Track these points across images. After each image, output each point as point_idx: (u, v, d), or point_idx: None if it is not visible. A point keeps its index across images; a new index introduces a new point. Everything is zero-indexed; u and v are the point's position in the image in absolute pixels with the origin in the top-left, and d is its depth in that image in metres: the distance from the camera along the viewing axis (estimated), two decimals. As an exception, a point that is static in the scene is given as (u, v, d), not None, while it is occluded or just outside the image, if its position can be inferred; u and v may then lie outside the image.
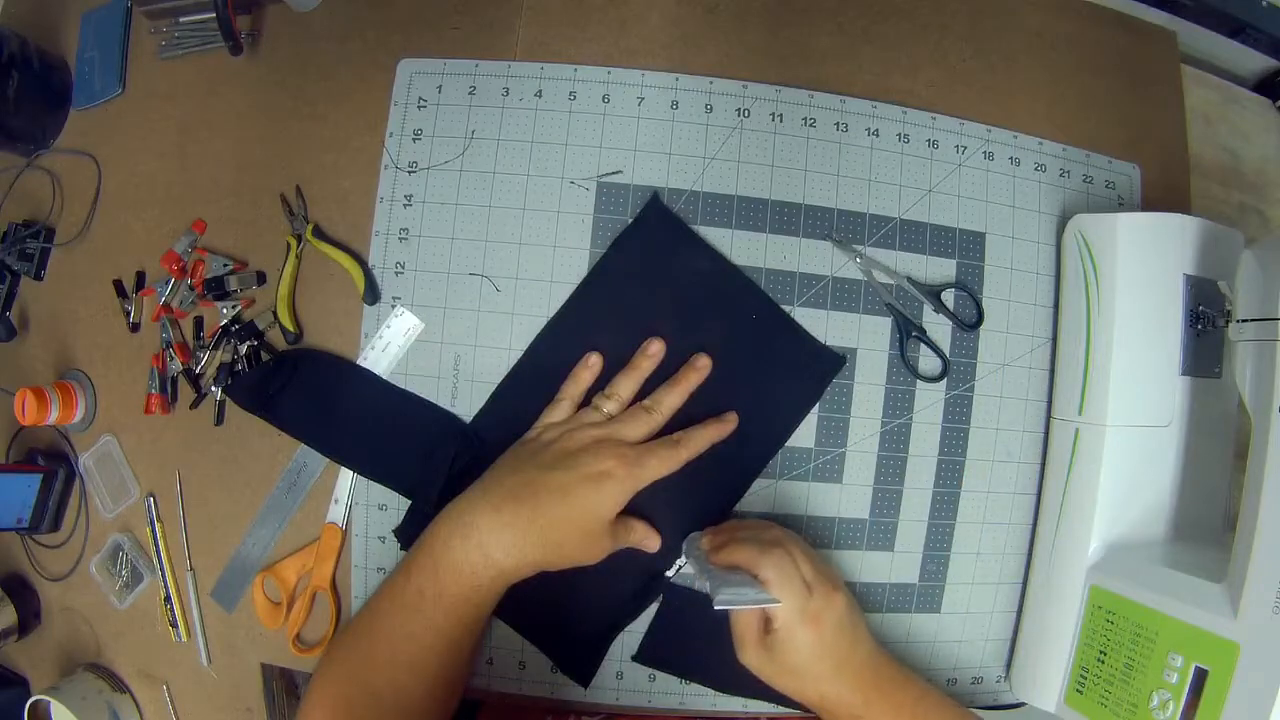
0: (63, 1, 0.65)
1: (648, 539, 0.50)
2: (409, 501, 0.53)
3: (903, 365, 0.55)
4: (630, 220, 0.54)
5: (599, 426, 0.49)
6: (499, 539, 0.44)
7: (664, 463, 0.48)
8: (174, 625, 0.57)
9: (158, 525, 0.57)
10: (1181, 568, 0.46)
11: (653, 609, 0.53)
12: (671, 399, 0.51)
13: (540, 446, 0.48)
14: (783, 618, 0.43)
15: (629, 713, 0.55)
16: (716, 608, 0.41)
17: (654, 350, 0.52)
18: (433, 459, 0.52)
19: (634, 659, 0.54)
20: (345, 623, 0.52)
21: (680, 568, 0.53)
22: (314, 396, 0.54)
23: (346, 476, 0.54)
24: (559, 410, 0.51)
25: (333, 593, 0.54)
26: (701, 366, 0.52)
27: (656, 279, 0.54)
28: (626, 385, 0.51)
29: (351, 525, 0.54)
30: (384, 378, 0.54)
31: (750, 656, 0.45)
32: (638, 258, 0.53)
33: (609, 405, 0.50)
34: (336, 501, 0.54)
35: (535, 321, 0.54)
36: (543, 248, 0.54)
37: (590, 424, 0.49)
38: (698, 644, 0.54)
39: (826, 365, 0.54)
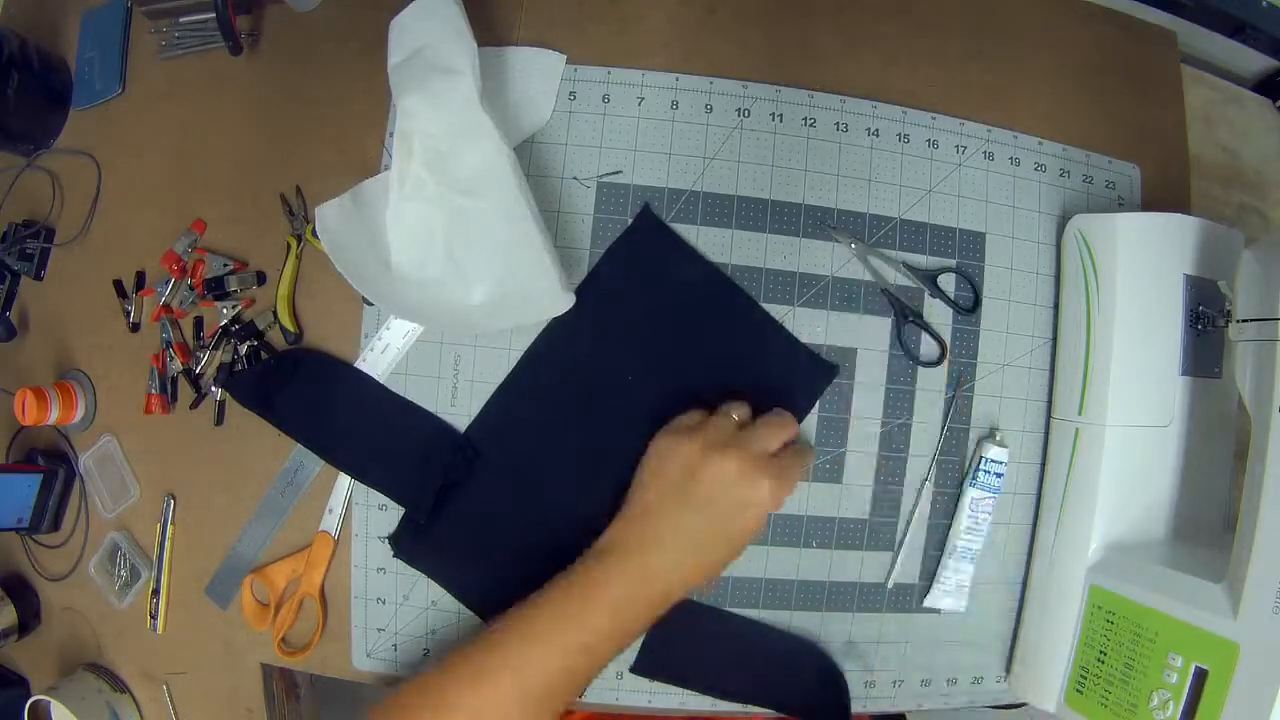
0: (63, 1, 0.65)
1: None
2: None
3: (902, 354, 0.55)
4: (628, 222, 0.54)
5: (739, 445, 0.46)
6: (678, 581, 0.45)
7: (799, 476, 0.48)
8: (154, 616, 0.58)
9: (170, 527, 0.57)
10: (1181, 568, 0.46)
11: None
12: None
13: (687, 474, 0.45)
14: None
15: (629, 713, 0.55)
16: None
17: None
18: (427, 468, 0.52)
19: (631, 670, 0.54)
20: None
21: None
22: (312, 398, 0.54)
23: (343, 484, 0.54)
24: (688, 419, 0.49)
25: (320, 600, 0.55)
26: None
27: (649, 289, 0.53)
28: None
29: (351, 525, 0.54)
30: (383, 383, 0.54)
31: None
32: (630, 268, 0.53)
33: (739, 412, 0.48)
34: (330, 511, 0.54)
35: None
36: (543, 248, 0.54)
37: (728, 437, 0.46)
38: (693, 653, 0.54)
39: (819, 375, 0.54)
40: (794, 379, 0.54)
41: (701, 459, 0.45)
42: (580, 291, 0.52)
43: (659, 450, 0.48)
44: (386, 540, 0.54)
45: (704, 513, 0.45)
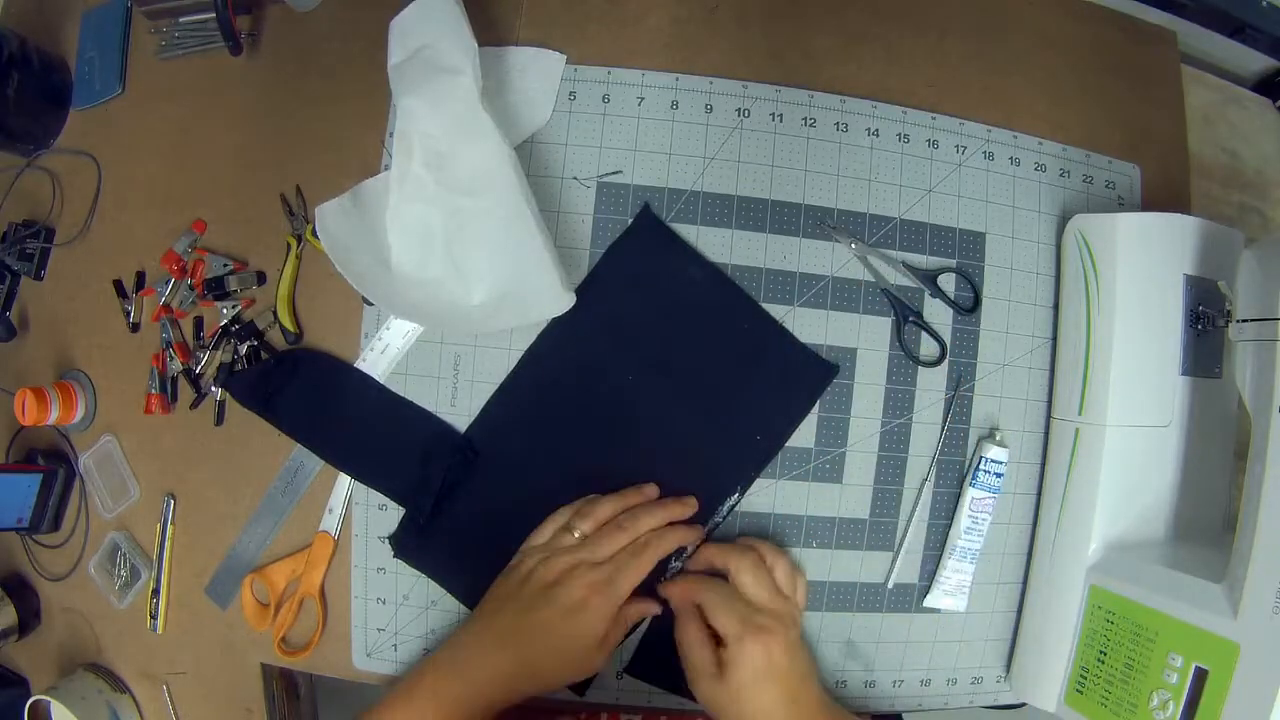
0: (63, 1, 0.65)
1: (646, 611, 0.51)
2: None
3: (903, 354, 0.55)
4: (628, 222, 0.54)
5: (571, 552, 0.48)
6: (493, 680, 0.45)
7: (633, 575, 0.47)
8: (154, 617, 0.58)
9: (170, 527, 0.57)
10: (1181, 568, 0.46)
11: (647, 621, 0.53)
12: (649, 521, 0.50)
13: (520, 580, 0.48)
14: (733, 630, 0.45)
15: (629, 713, 0.55)
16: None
17: (649, 491, 0.52)
18: (427, 469, 0.52)
19: (625, 671, 0.54)
20: None
21: (672, 575, 0.53)
22: (312, 399, 0.54)
23: (342, 484, 0.54)
24: (540, 533, 0.51)
25: (320, 600, 0.55)
26: (689, 503, 0.52)
27: (649, 289, 0.53)
28: (605, 508, 0.50)
29: (351, 525, 0.54)
30: (382, 383, 0.54)
31: (704, 687, 0.45)
32: (629, 269, 0.53)
33: (583, 526, 0.49)
34: (330, 511, 0.54)
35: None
36: (543, 248, 0.54)
37: (564, 550, 0.48)
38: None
39: (819, 375, 0.54)
40: (794, 379, 0.54)
41: (528, 560, 0.49)
42: (580, 291, 0.52)
43: (518, 554, 0.50)
44: (386, 540, 0.54)
45: (526, 619, 0.46)
